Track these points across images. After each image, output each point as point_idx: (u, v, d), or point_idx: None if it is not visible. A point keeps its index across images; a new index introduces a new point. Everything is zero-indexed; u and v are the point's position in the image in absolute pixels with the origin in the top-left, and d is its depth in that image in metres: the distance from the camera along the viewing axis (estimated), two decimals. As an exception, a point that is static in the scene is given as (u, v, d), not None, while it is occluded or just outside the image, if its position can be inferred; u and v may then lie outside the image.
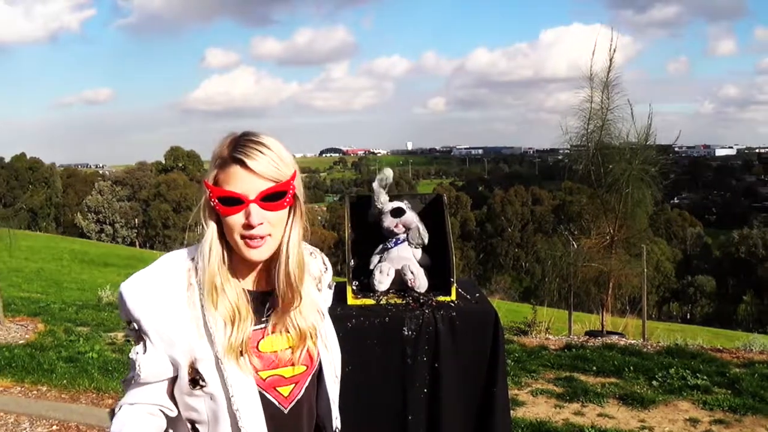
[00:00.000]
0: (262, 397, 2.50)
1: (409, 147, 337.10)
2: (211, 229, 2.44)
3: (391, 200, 5.27)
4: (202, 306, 2.43)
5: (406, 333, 4.62)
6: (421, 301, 4.80)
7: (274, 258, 2.50)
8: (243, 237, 2.41)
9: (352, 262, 5.10)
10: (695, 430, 8.09)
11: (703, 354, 10.98)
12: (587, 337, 13.27)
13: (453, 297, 4.86)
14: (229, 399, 2.42)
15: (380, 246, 5.18)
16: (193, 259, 2.50)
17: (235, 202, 2.37)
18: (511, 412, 6.56)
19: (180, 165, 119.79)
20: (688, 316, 76.96)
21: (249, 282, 2.57)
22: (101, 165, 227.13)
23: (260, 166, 2.37)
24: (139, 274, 2.47)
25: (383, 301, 4.86)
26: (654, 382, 9.64)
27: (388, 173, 5.33)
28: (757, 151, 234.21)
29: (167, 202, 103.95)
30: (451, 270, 4.92)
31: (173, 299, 2.43)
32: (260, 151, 2.38)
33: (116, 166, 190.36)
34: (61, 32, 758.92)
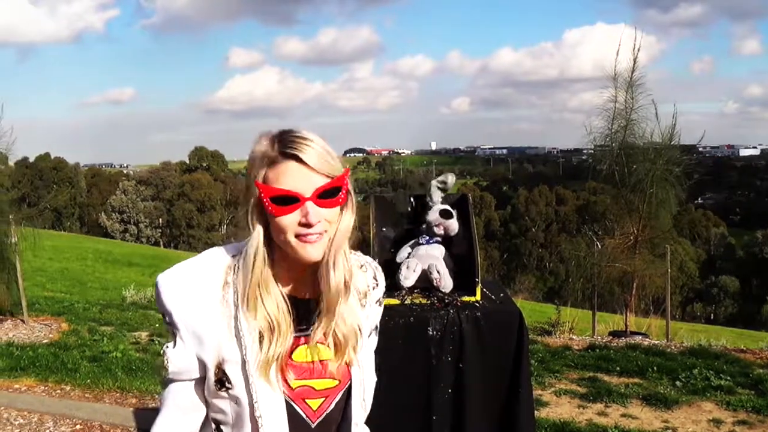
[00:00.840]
0: (290, 408, 2.41)
1: (433, 147, 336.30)
2: (258, 232, 2.29)
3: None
4: (236, 307, 2.32)
5: (430, 333, 4.62)
6: (446, 301, 4.81)
7: (320, 261, 2.32)
8: (298, 236, 2.25)
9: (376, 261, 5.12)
10: (718, 430, 8.07)
11: (727, 354, 10.95)
12: (611, 337, 13.24)
13: (478, 297, 4.86)
14: (252, 405, 2.34)
15: (413, 240, 5.20)
16: (234, 257, 2.39)
17: (290, 200, 2.23)
18: (535, 412, 6.56)
19: (204, 165, 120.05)
20: (712, 317, 76.71)
21: (289, 289, 2.42)
22: (125, 165, 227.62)
23: (315, 161, 2.23)
24: (177, 267, 2.39)
25: (408, 301, 4.87)
26: (677, 383, 9.62)
27: (451, 180, 5.37)
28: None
29: (191, 201, 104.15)
30: (476, 270, 4.93)
31: (207, 295, 2.34)
32: (310, 146, 2.25)
33: (140, 165, 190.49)
34: (86, 32, 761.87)
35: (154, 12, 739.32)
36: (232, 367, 2.33)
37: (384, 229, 5.47)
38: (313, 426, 2.45)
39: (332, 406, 2.50)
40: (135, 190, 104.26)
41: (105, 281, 27.94)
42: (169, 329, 2.39)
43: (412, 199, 5.46)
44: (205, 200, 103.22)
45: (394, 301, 4.86)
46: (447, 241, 5.18)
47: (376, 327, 2.70)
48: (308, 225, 2.22)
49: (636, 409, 8.72)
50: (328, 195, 2.26)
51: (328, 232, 2.29)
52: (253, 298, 2.31)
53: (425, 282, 4.97)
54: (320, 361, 2.44)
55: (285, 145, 2.24)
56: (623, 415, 8.48)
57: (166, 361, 2.36)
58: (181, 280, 2.35)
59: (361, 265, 2.68)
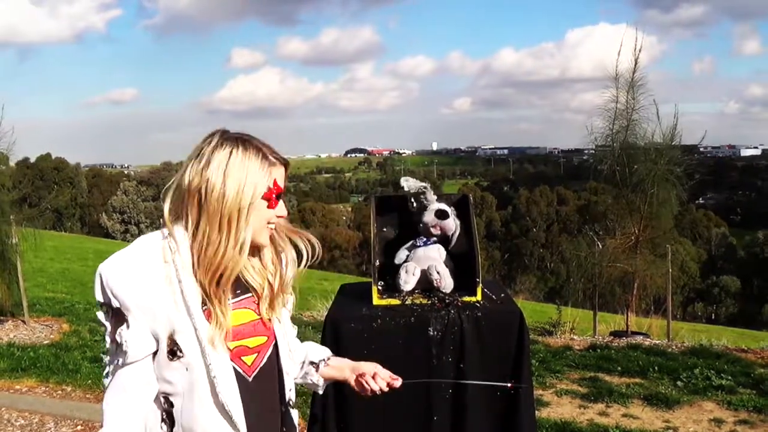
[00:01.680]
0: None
1: (434, 147, 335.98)
2: (255, 221, 2.74)
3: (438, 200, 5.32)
4: (180, 281, 2.63)
5: (431, 333, 4.63)
6: (447, 301, 4.80)
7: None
8: (269, 224, 2.80)
9: (377, 263, 5.11)
10: (720, 430, 8.08)
11: (728, 354, 10.96)
12: (612, 337, 13.24)
13: (478, 297, 4.86)
14: (207, 367, 2.64)
15: (410, 242, 5.20)
16: (165, 239, 2.71)
17: (280, 196, 2.82)
18: (536, 412, 6.57)
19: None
20: (713, 317, 76.69)
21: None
22: (126, 165, 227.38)
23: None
24: (116, 255, 2.67)
25: (408, 302, 4.87)
26: (679, 383, 9.63)
27: (408, 184, 5.36)
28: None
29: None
30: (476, 270, 4.93)
31: (152, 276, 2.62)
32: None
33: (141, 166, 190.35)
34: (87, 32, 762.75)
35: (156, 12, 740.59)
36: (182, 337, 2.63)
37: (385, 230, 5.47)
38: (250, 380, 2.81)
39: (264, 360, 2.88)
40: (136, 190, 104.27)
41: (106, 282, 27.82)
42: (110, 318, 2.70)
43: (412, 199, 5.46)
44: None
45: (395, 302, 4.87)
46: (445, 240, 5.18)
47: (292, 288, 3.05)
48: (282, 216, 2.85)
49: (637, 409, 8.73)
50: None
51: None
52: (228, 279, 2.71)
53: (426, 283, 4.96)
54: (250, 322, 2.84)
55: (275, 153, 2.81)
56: (624, 415, 8.48)
57: (125, 345, 2.62)
58: (125, 266, 2.64)
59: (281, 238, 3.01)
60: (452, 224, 5.13)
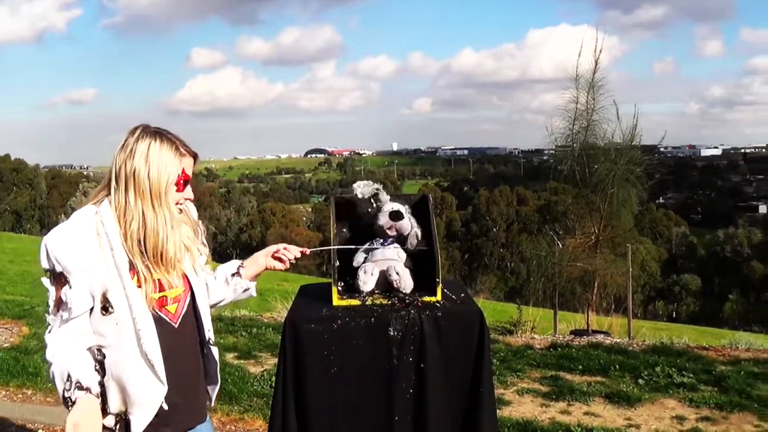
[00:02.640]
0: (156, 315, 3.44)
1: (395, 148, 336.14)
2: (166, 202, 3.45)
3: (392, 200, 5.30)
4: (112, 249, 3.33)
5: (391, 333, 4.62)
6: (407, 301, 4.80)
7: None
8: (177, 204, 3.52)
9: (337, 263, 5.10)
10: (682, 427, 8.12)
11: (689, 352, 11.03)
12: (573, 336, 13.31)
13: (438, 297, 4.85)
14: (133, 320, 3.33)
15: (367, 244, 5.19)
16: (96, 214, 3.39)
17: (188, 182, 3.54)
18: (498, 411, 6.58)
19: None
20: (674, 315, 77.26)
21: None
22: (86, 166, 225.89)
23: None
24: (57, 229, 3.35)
25: (369, 302, 4.86)
26: (640, 381, 9.68)
27: (361, 189, 5.35)
28: (742, 151, 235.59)
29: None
30: (436, 270, 4.93)
31: (87, 244, 3.31)
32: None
33: (101, 167, 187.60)
34: (48, 32, 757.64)
35: (116, 11, 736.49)
36: (113, 295, 3.31)
37: (344, 230, 5.47)
38: (176, 326, 3.54)
39: (185, 308, 3.60)
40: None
41: (65, 284, 27.66)
42: (53, 282, 3.34)
43: (372, 200, 5.44)
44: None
45: (355, 302, 4.85)
46: (403, 240, 5.17)
47: (204, 243, 3.87)
48: (190, 198, 3.59)
49: (599, 407, 8.77)
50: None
51: None
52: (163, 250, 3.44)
53: (385, 284, 4.95)
54: (166, 277, 3.51)
55: (187, 147, 3.52)
56: (586, 413, 8.52)
57: (69, 302, 3.26)
58: (65, 237, 3.32)
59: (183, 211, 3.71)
60: (407, 224, 5.11)
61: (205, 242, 3.91)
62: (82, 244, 3.29)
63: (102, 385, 3.33)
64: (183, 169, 3.46)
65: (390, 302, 4.81)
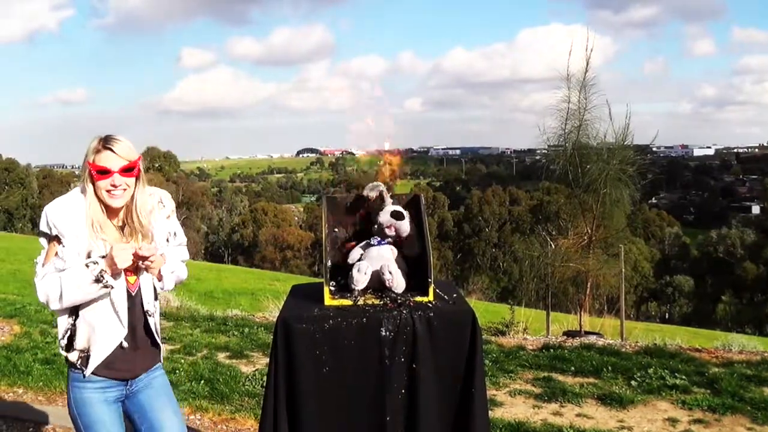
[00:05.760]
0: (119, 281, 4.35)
1: (386, 147, 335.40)
2: (90, 189, 4.34)
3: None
4: (93, 221, 4.34)
5: (383, 334, 4.62)
6: (399, 301, 4.80)
7: (130, 204, 4.44)
8: (107, 191, 4.31)
9: (329, 263, 5.10)
10: (674, 429, 8.12)
11: (682, 354, 11.03)
12: (565, 337, 13.30)
13: (430, 297, 4.86)
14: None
15: (364, 242, 5.19)
16: (82, 192, 4.39)
17: (105, 172, 4.29)
18: (490, 412, 6.58)
19: (156, 165, 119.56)
20: (667, 316, 77.47)
21: (116, 219, 4.48)
22: (77, 166, 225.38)
23: (121, 151, 4.31)
24: (57, 200, 4.42)
25: (361, 302, 4.86)
26: (633, 382, 9.67)
27: (372, 192, 5.38)
28: (735, 150, 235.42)
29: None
30: (429, 270, 4.93)
31: (79, 215, 4.33)
32: (120, 143, 4.33)
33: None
34: (39, 32, 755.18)
35: (107, 12, 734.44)
36: (95, 255, 4.30)
37: (336, 230, 5.47)
38: (133, 294, 4.48)
39: (140, 282, 4.51)
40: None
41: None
42: (48, 241, 4.35)
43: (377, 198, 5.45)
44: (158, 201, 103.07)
45: (347, 302, 4.86)
46: (398, 242, 5.17)
47: (175, 233, 4.78)
48: (114, 186, 4.31)
49: (591, 408, 8.77)
50: (128, 170, 4.35)
51: (128, 190, 4.38)
52: (93, 225, 4.35)
53: (378, 283, 4.95)
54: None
55: (107, 142, 4.32)
56: (578, 415, 8.52)
57: (62, 255, 4.27)
58: (62, 206, 4.36)
59: (151, 194, 4.65)
60: (407, 226, 5.13)
61: (176, 231, 4.82)
62: (75, 214, 4.33)
63: (73, 325, 4.43)
64: (95, 160, 4.30)
65: (382, 302, 4.82)
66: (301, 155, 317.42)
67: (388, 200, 5.32)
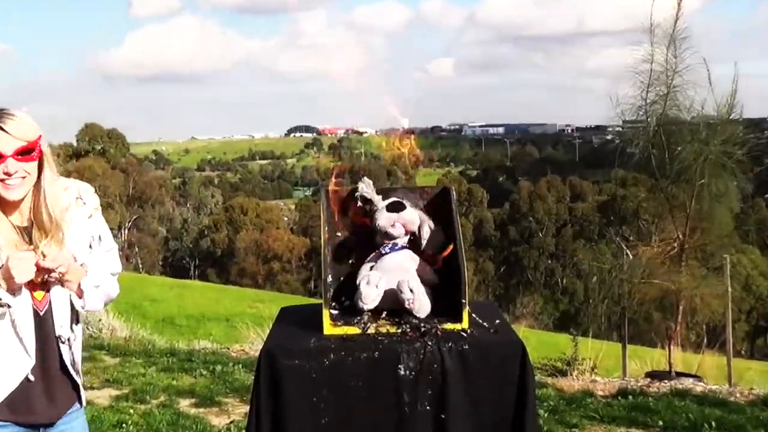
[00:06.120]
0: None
1: (405, 125, 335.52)
2: None
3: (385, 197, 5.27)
4: None
5: (402, 373, 4.62)
6: (423, 329, 4.79)
7: (35, 198, 4.40)
8: (2, 181, 4.23)
9: (329, 279, 5.09)
10: None
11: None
12: (649, 379, 13.28)
13: (465, 324, 4.85)
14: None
15: (374, 253, 5.16)
16: None
17: None
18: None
19: (98, 148, 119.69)
20: (793, 353, 77.13)
21: (17, 218, 4.44)
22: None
23: (14, 130, 4.22)
24: None
25: (372, 330, 4.85)
26: (746, 445, 9.65)
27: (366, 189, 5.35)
28: None
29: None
30: (462, 288, 4.91)
31: None
32: (13, 120, 4.24)
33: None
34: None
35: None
36: None
37: (339, 234, 5.45)
38: (41, 314, 4.42)
39: (51, 297, 4.44)
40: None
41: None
42: None
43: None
44: (100, 195, 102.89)
45: (353, 330, 4.83)
46: (416, 245, 5.14)
47: (100, 236, 4.77)
48: (8, 174, 4.21)
49: (687, 480, 8.75)
50: (25, 153, 4.27)
51: (28, 179, 4.32)
52: None
53: (394, 304, 4.93)
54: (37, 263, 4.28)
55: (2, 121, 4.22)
56: (670, 490, 8.50)
57: None
58: None
59: (66, 188, 4.63)
60: (414, 215, 5.08)
61: (101, 234, 4.82)
62: None
63: None
64: None
65: (400, 330, 4.81)
66: (292, 135, 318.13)
67: (377, 198, 5.26)
